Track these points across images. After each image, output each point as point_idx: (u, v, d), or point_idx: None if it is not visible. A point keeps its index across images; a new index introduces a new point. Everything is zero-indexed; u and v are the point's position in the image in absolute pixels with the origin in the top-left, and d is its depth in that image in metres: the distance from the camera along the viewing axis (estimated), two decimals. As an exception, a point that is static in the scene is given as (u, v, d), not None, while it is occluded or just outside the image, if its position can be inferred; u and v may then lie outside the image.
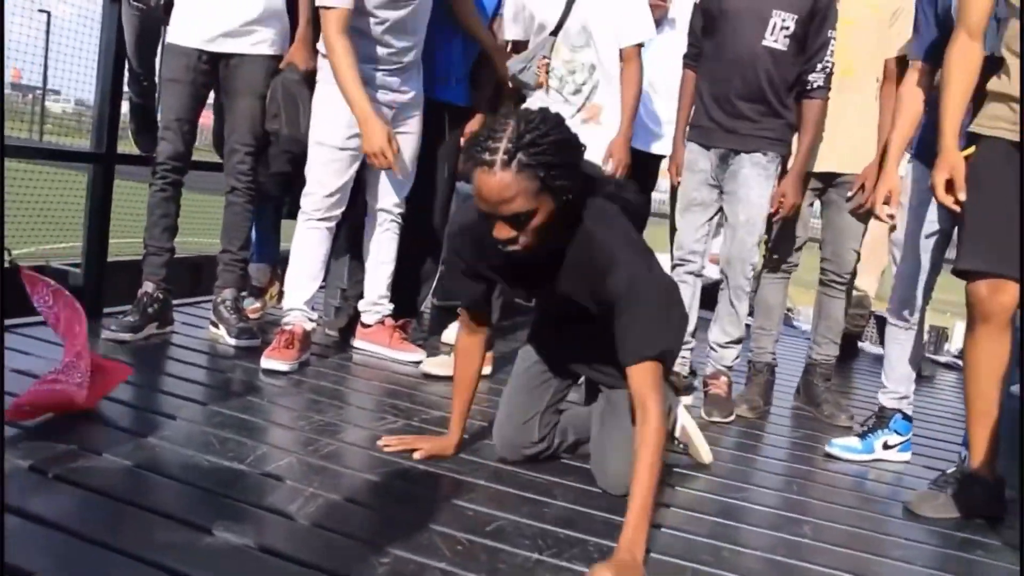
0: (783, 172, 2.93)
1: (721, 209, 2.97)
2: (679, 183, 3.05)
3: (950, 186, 2.10)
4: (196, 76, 2.79)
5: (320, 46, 2.75)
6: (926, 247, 2.53)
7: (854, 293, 3.61)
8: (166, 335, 2.89)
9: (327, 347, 3.09)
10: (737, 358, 3.06)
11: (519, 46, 3.07)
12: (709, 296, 3.21)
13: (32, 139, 10.61)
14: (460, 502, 1.84)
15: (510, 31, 3.07)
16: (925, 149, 2.49)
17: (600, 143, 2.89)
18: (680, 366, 3.05)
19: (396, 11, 2.70)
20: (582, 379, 2.33)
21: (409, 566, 1.51)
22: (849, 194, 2.98)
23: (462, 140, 3.18)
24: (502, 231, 1.68)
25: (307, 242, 2.84)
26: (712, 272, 3.34)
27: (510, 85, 3.08)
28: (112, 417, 2.04)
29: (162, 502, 1.63)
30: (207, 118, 3.11)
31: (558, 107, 2.49)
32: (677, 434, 2.35)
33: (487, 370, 2.71)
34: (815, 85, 2.85)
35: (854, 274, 3.20)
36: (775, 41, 2.77)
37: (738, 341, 3.02)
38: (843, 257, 3.10)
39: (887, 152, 2.64)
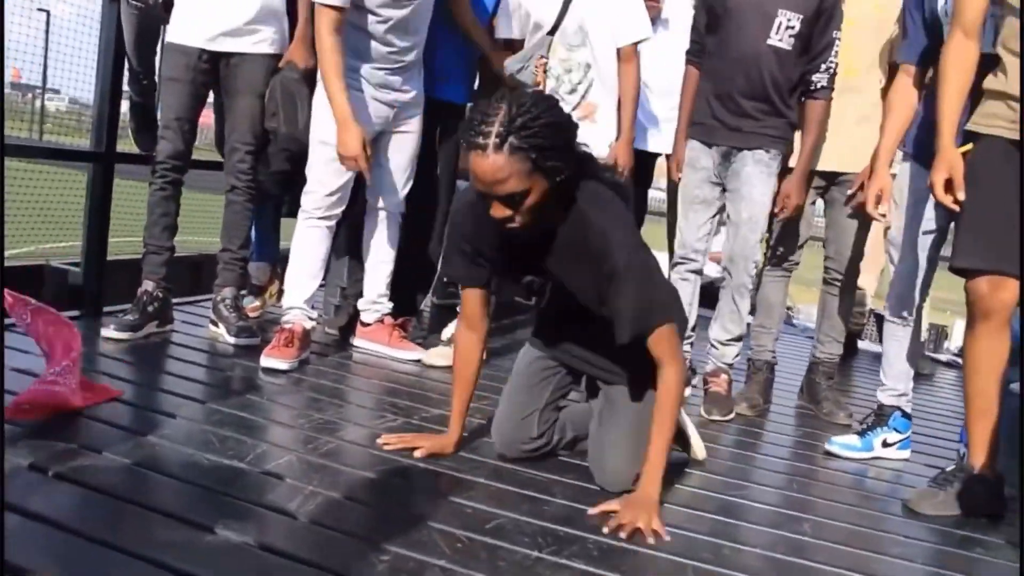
0: (783, 171, 2.93)
1: (722, 208, 2.97)
2: (680, 180, 3.05)
3: (949, 185, 2.10)
4: (196, 75, 2.79)
5: None
6: (923, 245, 2.53)
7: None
8: (166, 334, 2.89)
9: (327, 345, 3.09)
10: (738, 356, 3.06)
11: (514, 44, 3.06)
12: (708, 294, 3.21)
13: (32, 138, 10.61)
14: (459, 500, 1.84)
15: (504, 29, 3.06)
16: (922, 148, 2.49)
17: (595, 141, 2.89)
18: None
19: (398, 10, 2.70)
20: (583, 381, 2.33)
21: (409, 564, 1.51)
22: (849, 192, 2.99)
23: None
24: (498, 211, 1.74)
25: (307, 241, 2.85)
26: (711, 270, 3.35)
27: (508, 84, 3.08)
28: (112, 415, 2.04)
29: (162, 500, 1.63)
30: (207, 117, 3.11)
31: None
32: None
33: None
34: (819, 85, 2.85)
35: (857, 272, 3.21)
36: (780, 40, 2.77)
37: (739, 339, 3.02)
38: (846, 256, 3.11)
39: (877, 153, 2.66)
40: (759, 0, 2.77)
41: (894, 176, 2.66)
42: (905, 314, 2.61)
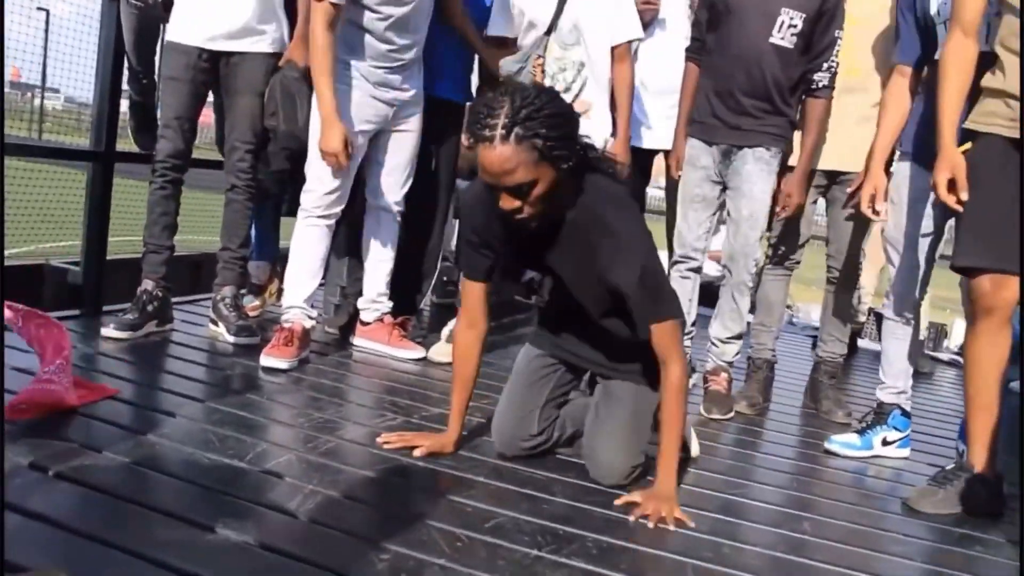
0: (783, 170, 2.93)
1: (722, 206, 2.97)
2: (679, 177, 3.05)
3: (952, 185, 2.10)
4: (196, 74, 2.79)
5: None
6: (922, 244, 2.54)
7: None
8: (166, 333, 2.89)
9: (326, 345, 3.09)
10: (738, 354, 3.06)
11: (506, 42, 3.04)
12: (708, 293, 3.21)
13: (31, 138, 10.61)
14: (459, 499, 1.84)
15: (498, 27, 3.03)
16: (921, 147, 2.50)
17: (589, 138, 2.89)
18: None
19: (398, 7, 2.69)
20: (584, 380, 2.34)
21: (408, 562, 1.51)
22: (849, 190, 2.99)
23: (463, 138, 3.18)
24: (507, 202, 1.78)
25: (307, 240, 2.85)
26: (710, 269, 3.34)
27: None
28: (112, 415, 2.04)
29: (162, 499, 1.63)
30: (207, 116, 3.11)
31: None
32: None
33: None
34: (820, 84, 2.85)
35: (855, 270, 3.21)
36: (782, 39, 2.77)
37: (739, 337, 3.02)
38: (856, 255, 3.11)
39: (872, 153, 2.67)
40: None
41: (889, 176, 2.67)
42: (904, 312, 2.62)
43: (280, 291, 3.29)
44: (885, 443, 2.65)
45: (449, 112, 3.14)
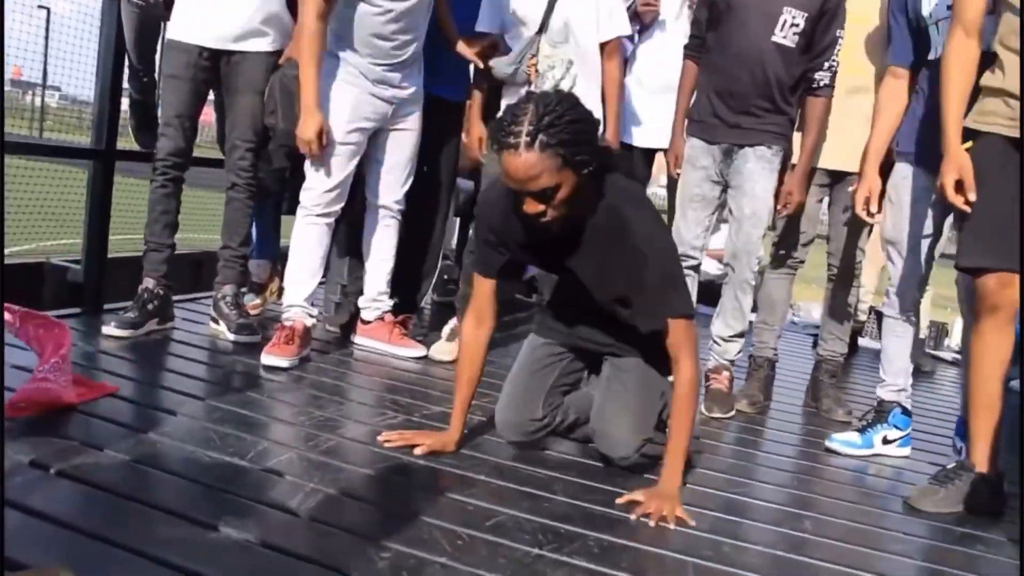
0: (785, 169, 2.93)
1: (721, 205, 2.97)
2: (678, 175, 3.05)
3: (959, 186, 2.10)
4: (197, 72, 2.79)
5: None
6: (921, 243, 2.54)
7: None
8: (167, 331, 2.89)
9: (327, 343, 3.09)
10: (740, 353, 3.06)
11: (491, 38, 3.03)
12: (709, 292, 3.21)
13: (32, 135, 10.61)
14: (460, 497, 1.84)
15: (485, 23, 3.00)
16: (922, 147, 2.49)
17: None
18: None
19: (398, 2, 2.69)
20: (587, 376, 2.35)
21: (409, 560, 1.51)
22: (850, 190, 2.98)
23: (463, 136, 3.18)
24: (531, 206, 1.82)
25: (306, 238, 2.84)
26: (710, 267, 3.34)
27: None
28: (113, 412, 2.04)
29: (163, 497, 1.63)
30: (208, 115, 3.11)
31: None
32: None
33: None
34: (822, 83, 2.85)
35: (852, 269, 3.21)
36: (784, 37, 2.76)
37: (741, 335, 3.02)
38: (847, 253, 3.10)
39: (866, 155, 2.67)
40: None
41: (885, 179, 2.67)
42: (904, 310, 2.62)
43: (281, 290, 3.29)
44: (886, 441, 2.65)
45: (449, 110, 3.14)
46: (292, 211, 3.01)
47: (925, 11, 2.50)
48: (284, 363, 2.66)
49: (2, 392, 1.30)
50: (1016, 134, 2.06)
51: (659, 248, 1.93)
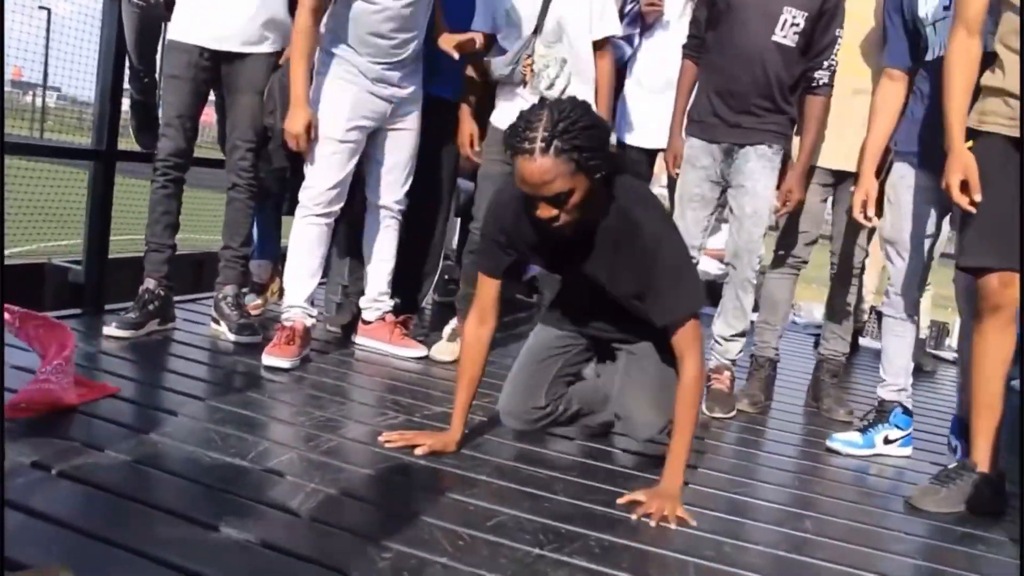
0: (785, 168, 2.93)
1: (721, 205, 2.97)
2: (677, 174, 3.05)
3: (964, 186, 2.09)
4: (198, 73, 2.79)
5: (322, 40, 2.75)
6: (921, 243, 2.54)
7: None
8: (167, 332, 2.89)
9: (328, 343, 3.09)
10: (741, 352, 3.05)
11: (472, 34, 3.01)
12: (709, 291, 3.20)
13: (33, 136, 10.62)
14: (461, 497, 1.84)
15: (476, 23, 2.99)
16: (923, 147, 2.49)
17: None
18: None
19: (397, 0, 2.69)
20: (592, 365, 2.37)
21: (410, 561, 1.51)
22: (851, 189, 2.98)
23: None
24: (545, 211, 1.84)
25: (306, 238, 2.84)
26: (710, 267, 3.34)
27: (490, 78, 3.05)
28: (114, 413, 2.04)
29: (164, 498, 1.63)
30: (209, 115, 3.11)
31: (532, 101, 2.50)
32: None
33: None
34: (821, 83, 2.85)
35: (862, 270, 3.21)
36: (784, 37, 2.76)
37: (742, 335, 3.02)
38: (848, 253, 3.10)
39: (863, 157, 2.66)
40: None
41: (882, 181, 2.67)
42: (904, 310, 2.62)
43: (282, 290, 3.29)
44: (887, 441, 2.65)
45: (449, 110, 3.13)
46: (293, 211, 3.01)
47: (922, 12, 2.50)
48: (285, 364, 2.66)
49: (2, 393, 1.30)
50: (1016, 134, 2.06)
51: (668, 247, 1.96)
